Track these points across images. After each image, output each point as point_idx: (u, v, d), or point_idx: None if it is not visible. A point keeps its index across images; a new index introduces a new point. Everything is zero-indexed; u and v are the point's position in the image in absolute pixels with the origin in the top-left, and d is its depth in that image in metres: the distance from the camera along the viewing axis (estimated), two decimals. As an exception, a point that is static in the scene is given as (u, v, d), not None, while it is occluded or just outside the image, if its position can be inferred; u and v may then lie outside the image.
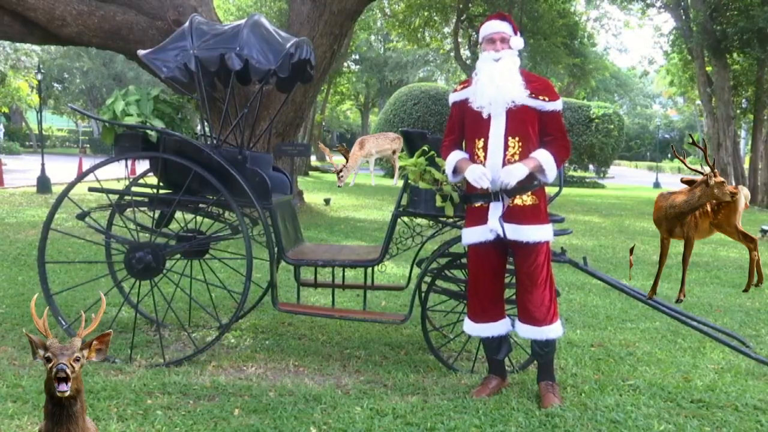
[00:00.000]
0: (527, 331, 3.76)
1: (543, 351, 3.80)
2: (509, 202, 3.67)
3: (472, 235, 3.76)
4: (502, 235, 3.64)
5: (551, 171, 3.64)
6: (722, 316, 5.81)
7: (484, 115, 3.65)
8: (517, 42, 3.73)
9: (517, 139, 3.62)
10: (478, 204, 3.73)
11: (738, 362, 4.48)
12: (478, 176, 3.60)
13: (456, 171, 3.80)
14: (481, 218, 3.72)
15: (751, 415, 3.60)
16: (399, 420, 3.40)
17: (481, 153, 3.67)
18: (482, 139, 3.67)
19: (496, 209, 3.67)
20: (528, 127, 3.65)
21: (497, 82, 3.61)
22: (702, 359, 4.56)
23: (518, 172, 3.55)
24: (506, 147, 3.62)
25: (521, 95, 3.61)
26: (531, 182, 3.66)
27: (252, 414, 3.44)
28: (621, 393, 3.87)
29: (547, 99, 3.67)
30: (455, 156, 3.79)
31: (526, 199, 3.68)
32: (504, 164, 3.61)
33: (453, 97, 3.90)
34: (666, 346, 4.87)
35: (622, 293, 4.57)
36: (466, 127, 3.81)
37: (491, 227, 3.66)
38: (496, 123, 3.63)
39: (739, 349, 4.29)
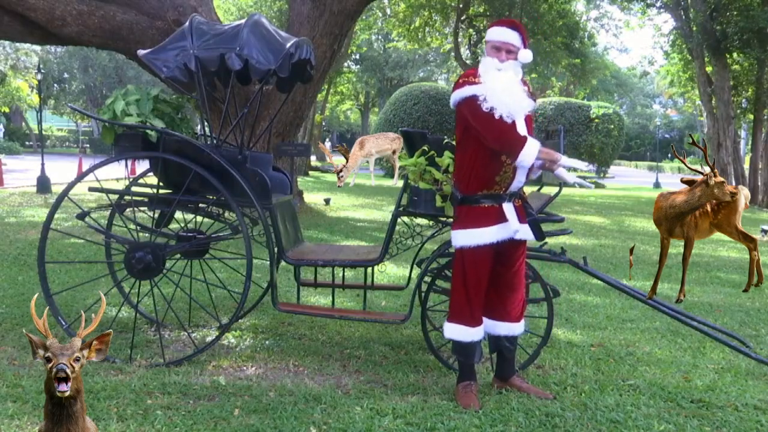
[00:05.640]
0: (510, 329, 3.83)
1: (513, 345, 3.91)
2: (516, 202, 3.71)
3: (487, 235, 3.63)
4: (532, 236, 3.69)
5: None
6: (722, 316, 5.81)
7: (496, 116, 3.52)
8: (525, 55, 3.63)
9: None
10: (487, 204, 3.66)
11: (738, 362, 4.48)
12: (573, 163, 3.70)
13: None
14: (492, 218, 3.65)
15: (751, 415, 3.61)
16: (399, 420, 3.40)
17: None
18: None
19: (510, 210, 3.67)
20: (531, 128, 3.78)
21: (510, 90, 3.55)
22: (702, 359, 4.56)
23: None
24: None
25: (531, 104, 3.66)
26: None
27: (252, 414, 3.44)
28: (621, 393, 3.87)
29: (535, 99, 3.78)
30: (536, 144, 3.59)
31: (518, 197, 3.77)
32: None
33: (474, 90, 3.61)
34: (666, 346, 4.87)
35: (622, 293, 4.57)
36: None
37: (516, 228, 3.64)
38: (519, 127, 3.62)
39: (739, 349, 4.29)
